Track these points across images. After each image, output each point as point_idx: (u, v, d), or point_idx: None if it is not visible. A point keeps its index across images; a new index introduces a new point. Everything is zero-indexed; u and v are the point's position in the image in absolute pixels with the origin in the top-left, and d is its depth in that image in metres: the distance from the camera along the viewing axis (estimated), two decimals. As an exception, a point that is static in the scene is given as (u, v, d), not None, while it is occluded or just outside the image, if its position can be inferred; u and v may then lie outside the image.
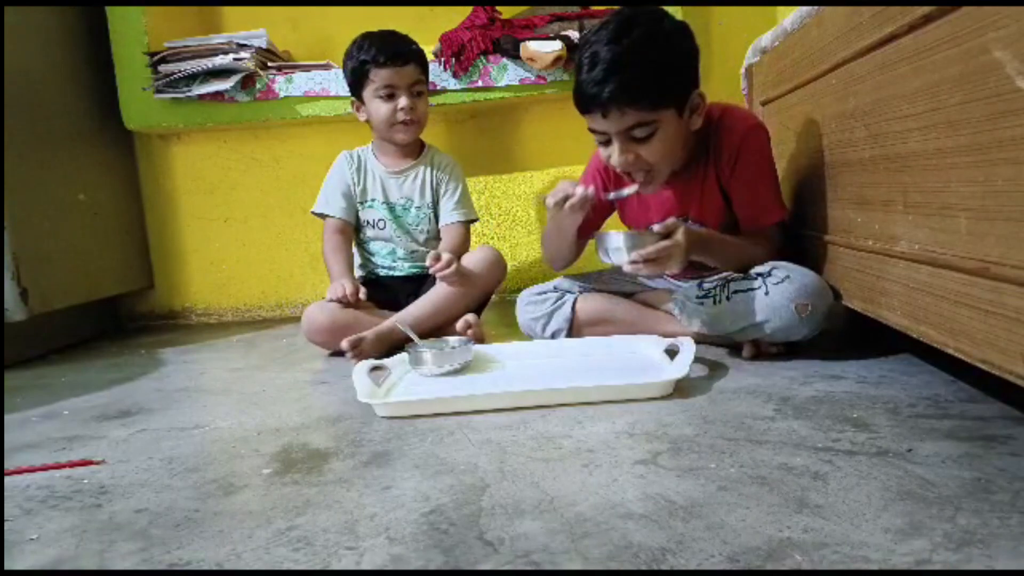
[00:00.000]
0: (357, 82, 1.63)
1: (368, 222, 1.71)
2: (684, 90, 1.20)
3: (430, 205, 1.71)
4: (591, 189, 1.24)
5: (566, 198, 1.24)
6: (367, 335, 1.44)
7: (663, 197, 1.35)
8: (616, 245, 1.18)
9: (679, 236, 1.17)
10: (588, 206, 1.26)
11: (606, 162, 1.27)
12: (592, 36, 1.18)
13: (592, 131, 1.24)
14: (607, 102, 1.15)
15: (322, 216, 1.70)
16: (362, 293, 1.54)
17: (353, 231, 1.72)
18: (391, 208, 1.70)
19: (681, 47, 1.19)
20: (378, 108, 1.62)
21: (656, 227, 1.19)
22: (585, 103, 1.19)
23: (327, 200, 1.70)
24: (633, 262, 1.15)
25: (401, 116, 1.60)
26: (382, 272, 1.73)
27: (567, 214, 1.27)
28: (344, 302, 1.52)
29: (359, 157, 1.73)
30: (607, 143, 1.22)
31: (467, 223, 1.73)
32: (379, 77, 1.58)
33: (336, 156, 1.74)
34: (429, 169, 1.72)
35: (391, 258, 1.72)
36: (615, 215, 1.49)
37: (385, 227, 1.70)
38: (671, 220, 1.19)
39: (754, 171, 1.28)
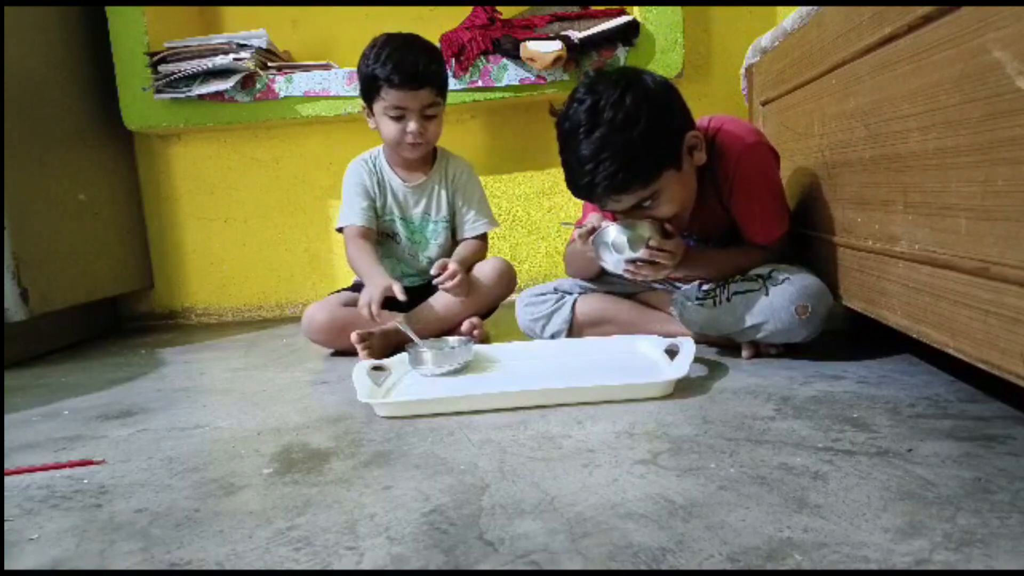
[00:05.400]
0: (368, 93, 1.55)
1: (384, 233, 1.65)
2: (672, 150, 1.17)
3: (447, 218, 1.66)
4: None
5: (592, 230, 1.24)
6: (375, 331, 1.43)
7: None
8: (619, 237, 1.17)
9: (679, 241, 1.20)
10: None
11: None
12: (567, 125, 1.15)
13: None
14: (602, 196, 1.16)
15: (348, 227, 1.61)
16: (398, 291, 1.41)
17: (375, 235, 1.63)
18: (407, 223, 1.65)
19: (656, 110, 1.13)
20: (387, 126, 1.55)
21: (667, 228, 1.20)
22: (583, 197, 1.21)
23: (351, 211, 1.61)
24: (646, 251, 1.16)
25: (409, 139, 1.53)
26: None
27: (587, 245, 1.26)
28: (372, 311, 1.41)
29: (375, 166, 1.65)
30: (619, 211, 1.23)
31: (487, 234, 1.68)
32: (390, 97, 1.50)
33: (337, 156, 1.72)
34: (444, 180, 1.66)
35: (396, 273, 1.65)
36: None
37: (401, 242, 1.66)
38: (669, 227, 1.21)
39: (752, 193, 1.27)
